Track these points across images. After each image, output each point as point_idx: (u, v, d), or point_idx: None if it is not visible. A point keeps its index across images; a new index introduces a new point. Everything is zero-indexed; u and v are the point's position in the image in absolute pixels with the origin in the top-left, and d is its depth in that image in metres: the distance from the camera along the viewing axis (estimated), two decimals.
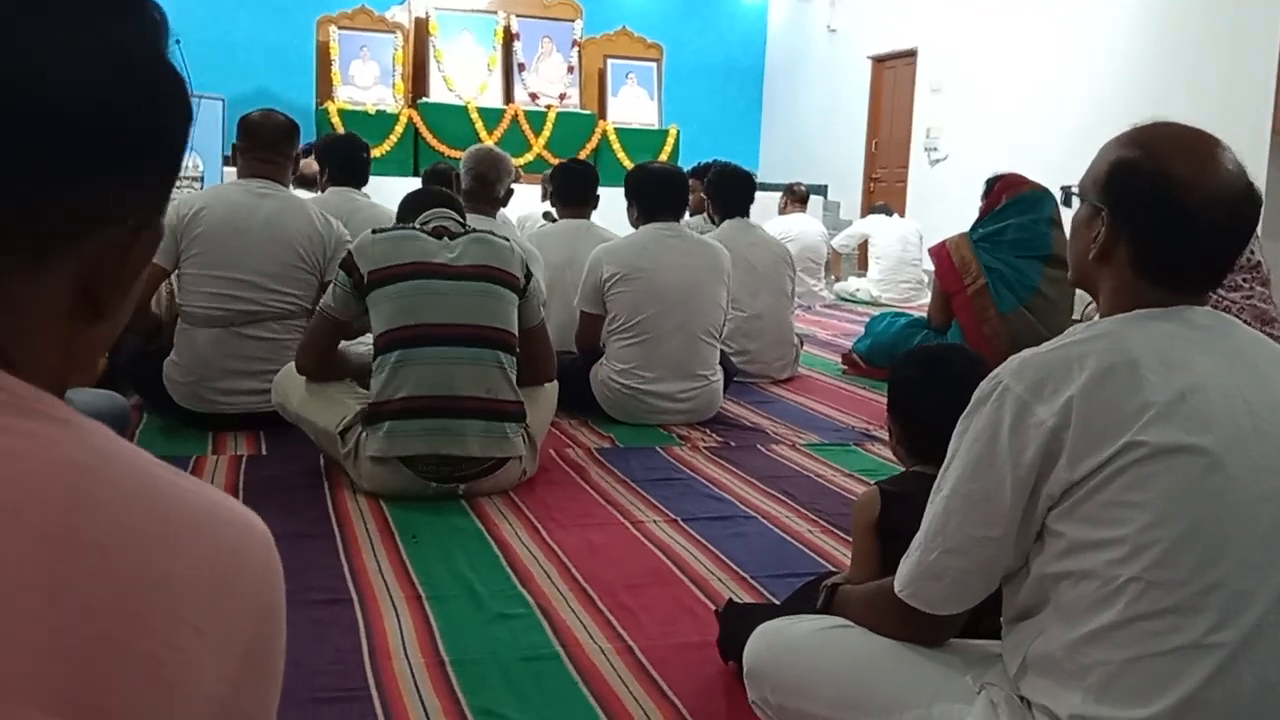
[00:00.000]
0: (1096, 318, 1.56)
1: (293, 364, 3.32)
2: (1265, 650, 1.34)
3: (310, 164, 5.89)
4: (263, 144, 3.78)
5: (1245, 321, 1.92)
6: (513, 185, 4.70)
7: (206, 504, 0.63)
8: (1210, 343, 1.46)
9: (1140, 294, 1.49)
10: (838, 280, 9.49)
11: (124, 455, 0.61)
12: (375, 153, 9.14)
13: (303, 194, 4.58)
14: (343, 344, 3.38)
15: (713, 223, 5.42)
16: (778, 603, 2.25)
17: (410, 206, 3.56)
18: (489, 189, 4.42)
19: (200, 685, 0.59)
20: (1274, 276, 4.07)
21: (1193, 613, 1.33)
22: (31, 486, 0.56)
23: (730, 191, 5.22)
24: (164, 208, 0.68)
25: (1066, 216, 1.68)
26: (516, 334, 3.19)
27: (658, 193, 4.34)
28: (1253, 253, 3.95)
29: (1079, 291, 1.53)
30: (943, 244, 4.89)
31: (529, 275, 3.28)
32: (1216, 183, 1.44)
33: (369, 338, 3.20)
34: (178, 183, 0.70)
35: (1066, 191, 1.64)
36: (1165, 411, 1.37)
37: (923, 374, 2.02)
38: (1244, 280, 3.92)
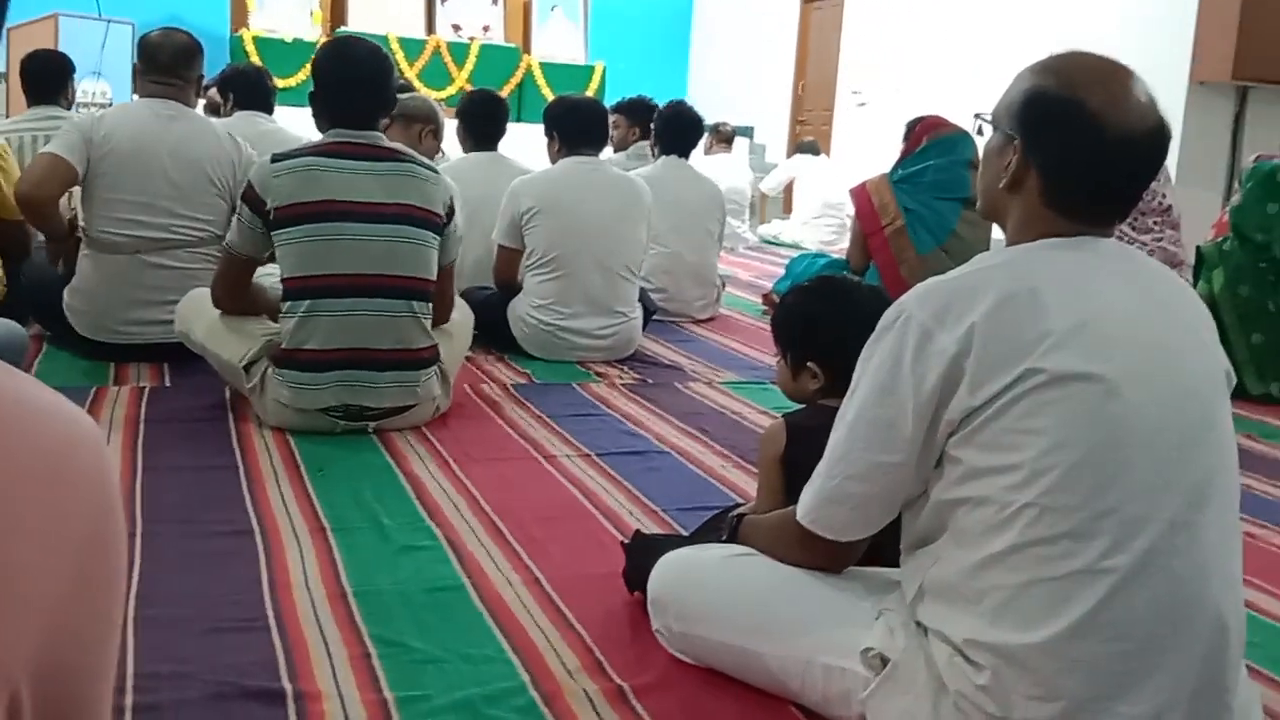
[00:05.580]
0: None
1: (196, 291, 3.22)
2: (1157, 575, 1.36)
3: (214, 95, 5.74)
4: (160, 65, 3.60)
5: None
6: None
7: (26, 395, 0.59)
8: (1112, 272, 1.47)
9: (1048, 224, 1.49)
10: (762, 223, 9.50)
11: None
12: (291, 82, 8.94)
13: (212, 121, 4.44)
14: (258, 275, 3.22)
15: (651, 156, 5.39)
16: (685, 534, 2.25)
17: (330, 87, 3.00)
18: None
19: (30, 585, 0.55)
20: (1184, 221, 4.13)
21: (1086, 538, 1.35)
22: None
23: (679, 131, 5.21)
24: None
25: (980, 147, 1.67)
26: (433, 278, 3.07)
27: (578, 125, 4.27)
28: (1164, 197, 4.00)
29: (994, 235, 1.53)
30: (863, 185, 4.89)
31: (451, 212, 3.14)
32: (1129, 114, 1.44)
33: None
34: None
35: (978, 119, 1.63)
36: (1065, 339, 1.37)
37: (831, 308, 2.01)
38: (1155, 224, 3.97)
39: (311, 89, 3.05)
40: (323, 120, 3.04)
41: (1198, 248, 4.29)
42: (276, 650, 1.83)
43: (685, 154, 5.22)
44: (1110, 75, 1.48)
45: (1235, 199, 4.30)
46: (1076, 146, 1.46)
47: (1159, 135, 1.47)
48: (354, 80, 2.99)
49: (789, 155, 10.51)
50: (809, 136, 9.86)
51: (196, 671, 1.74)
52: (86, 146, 3.47)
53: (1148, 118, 1.45)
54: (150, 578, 2.04)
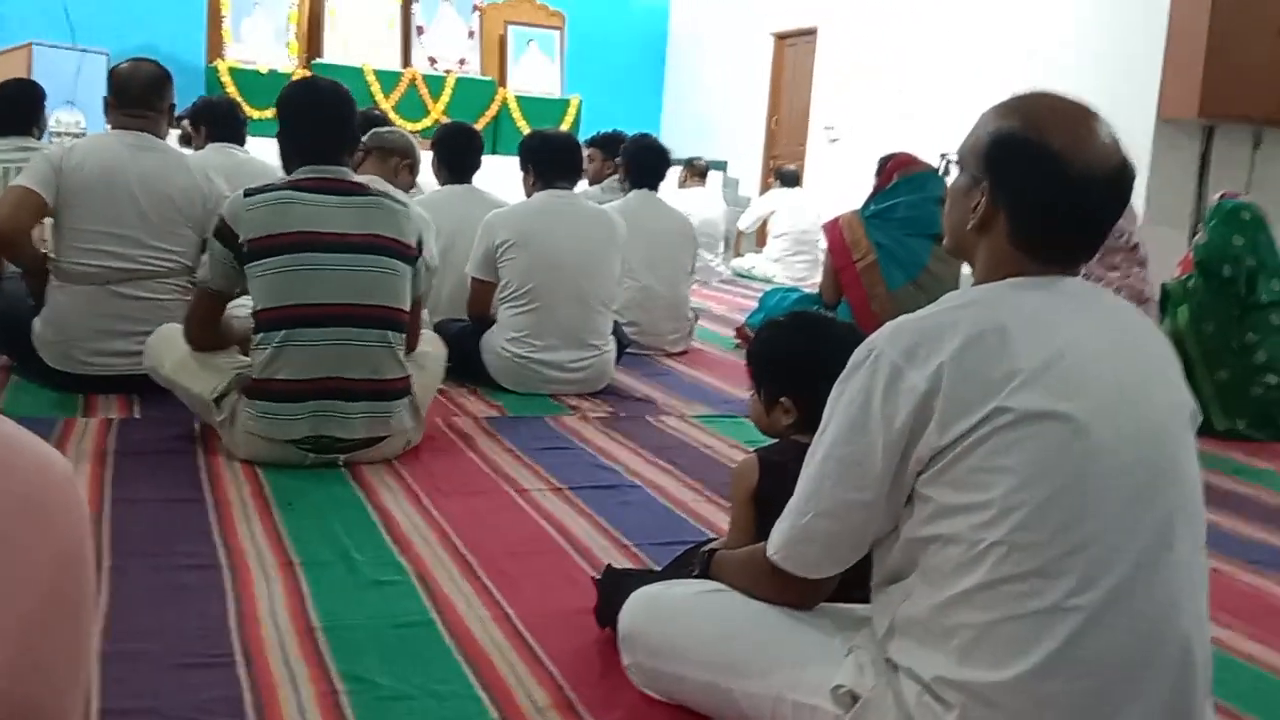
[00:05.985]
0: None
1: (165, 326, 3.21)
2: (1123, 613, 1.36)
3: (187, 126, 5.76)
4: (130, 97, 3.59)
5: None
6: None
7: None
8: (1079, 311, 1.48)
9: (1015, 264, 1.51)
10: (737, 256, 9.54)
11: None
12: (267, 113, 8.92)
13: (184, 152, 4.43)
14: (230, 307, 3.22)
15: (621, 190, 5.42)
16: (657, 569, 2.24)
17: (296, 130, 3.09)
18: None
19: None
20: (1151, 259, 4.18)
21: (1054, 576, 1.35)
22: None
23: (645, 164, 5.23)
24: None
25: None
26: (406, 308, 3.08)
27: (553, 159, 4.29)
28: (1130, 235, 4.06)
29: (965, 270, 1.55)
30: (835, 220, 4.93)
31: (421, 244, 3.15)
32: (1094, 155, 1.46)
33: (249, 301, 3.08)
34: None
35: (946, 160, 1.65)
36: (1032, 378, 1.39)
37: (805, 343, 2.02)
38: (1122, 261, 4.03)
39: (278, 129, 3.09)
40: (290, 159, 3.09)
41: (1163, 285, 4.34)
42: (243, 686, 1.81)
43: (654, 186, 5.23)
44: (1074, 116, 1.50)
45: (1200, 236, 4.36)
46: (1041, 188, 1.48)
47: (1123, 175, 1.49)
48: (318, 118, 3.05)
49: (762, 191, 10.57)
50: (790, 166, 9.84)
51: (162, 707, 1.72)
52: (56, 176, 3.45)
53: (1112, 158, 1.47)
54: (117, 612, 2.02)
